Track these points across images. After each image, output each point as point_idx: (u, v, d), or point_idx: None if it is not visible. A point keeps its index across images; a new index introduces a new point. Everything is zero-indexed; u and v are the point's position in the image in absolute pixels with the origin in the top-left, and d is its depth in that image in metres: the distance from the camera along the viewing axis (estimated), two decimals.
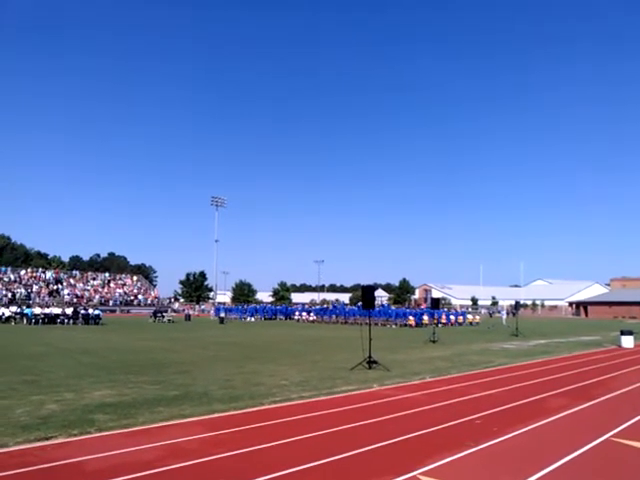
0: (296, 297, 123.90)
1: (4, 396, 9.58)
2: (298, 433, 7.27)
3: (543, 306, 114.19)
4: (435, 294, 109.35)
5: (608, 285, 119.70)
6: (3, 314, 40.35)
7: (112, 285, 78.15)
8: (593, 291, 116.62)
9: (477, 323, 48.82)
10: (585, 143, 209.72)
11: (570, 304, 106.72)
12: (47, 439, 6.79)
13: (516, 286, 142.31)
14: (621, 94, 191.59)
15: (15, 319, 39.58)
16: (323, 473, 5.60)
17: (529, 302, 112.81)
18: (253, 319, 55.10)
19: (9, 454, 6.16)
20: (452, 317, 48.08)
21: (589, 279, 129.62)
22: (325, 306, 70.10)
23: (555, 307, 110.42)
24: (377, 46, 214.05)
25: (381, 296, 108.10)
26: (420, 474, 5.56)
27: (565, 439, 7.17)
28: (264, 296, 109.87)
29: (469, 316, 51.62)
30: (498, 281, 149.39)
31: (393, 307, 64.64)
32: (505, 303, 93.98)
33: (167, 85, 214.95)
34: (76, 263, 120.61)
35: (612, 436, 7.32)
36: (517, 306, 35.96)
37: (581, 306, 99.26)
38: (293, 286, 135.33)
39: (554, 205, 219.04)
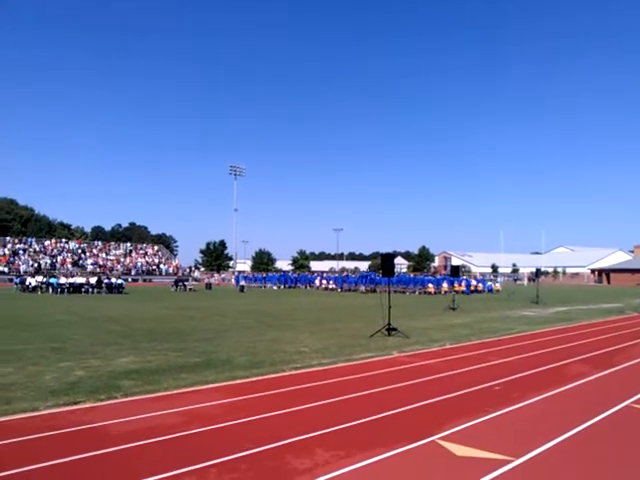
0: (315, 265, 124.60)
1: (34, 362, 9.90)
2: (318, 399, 7.40)
3: (564, 273, 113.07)
4: (455, 262, 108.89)
5: (632, 252, 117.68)
6: (30, 284, 41.32)
7: (134, 255, 79.27)
8: (616, 258, 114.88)
9: (497, 291, 48.60)
10: (608, 107, 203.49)
11: (592, 271, 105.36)
12: (75, 404, 7.03)
13: (537, 253, 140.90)
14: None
15: (41, 288, 40.51)
16: (342, 438, 5.70)
17: (550, 269, 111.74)
18: (275, 287, 55.63)
19: (41, 417, 6.40)
20: (480, 284, 48.16)
21: (612, 246, 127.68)
22: (345, 274, 70.39)
23: (577, 274, 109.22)
24: (397, 13, 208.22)
25: (400, 264, 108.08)
26: (439, 439, 5.63)
27: (584, 406, 7.18)
28: (283, 264, 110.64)
29: (488, 283, 51.43)
30: (519, 248, 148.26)
31: (411, 275, 64.56)
32: (526, 270, 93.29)
33: (184, 56, 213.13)
34: (98, 233, 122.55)
35: (632, 403, 7.31)
36: (538, 273, 35.55)
37: (603, 273, 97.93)
38: (312, 254, 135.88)
39: (577, 170, 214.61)
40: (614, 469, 4.94)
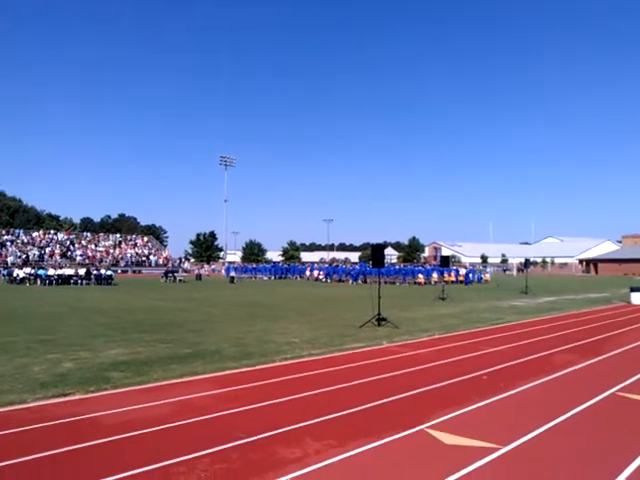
0: (306, 256, 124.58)
1: (22, 355, 9.83)
2: (308, 389, 7.42)
3: (553, 263, 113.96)
4: (445, 252, 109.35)
5: (620, 242, 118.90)
6: (18, 275, 40.92)
7: (123, 246, 78.79)
8: (604, 248, 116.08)
9: (486, 281, 48.96)
10: (598, 99, 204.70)
11: (580, 261, 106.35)
12: (65, 395, 6.99)
13: (526, 243, 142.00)
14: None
15: (29, 280, 40.15)
16: (333, 427, 5.73)
17: (539, 259, 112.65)
18: (265, 278, 55.60)
19: (28, 410, 6.35)
20: (470, 274, 48.43)
21: (601, 236, 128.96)
22: (335, 264, 70.45)
23: (565, 265, 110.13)
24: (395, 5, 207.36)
25: (390, 254, 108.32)
26: (427, 428, 5.68)
27: (570, 394, 7.27)
28: (274, 255, 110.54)
29: (478, 273, 51.78)
30: (508, 238, 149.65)
31: (400, 265, 64.73)
32: (515, 260, 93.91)
33: (173, 46, 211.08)
34: (87, 224, 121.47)
35: (617, 391, 7.41)
36: (527, 263, 35.88)
37: (591, 263, 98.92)
38: (302, 245, 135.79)
39: (565, 162, 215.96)
40: (599, 456, 5.01)
